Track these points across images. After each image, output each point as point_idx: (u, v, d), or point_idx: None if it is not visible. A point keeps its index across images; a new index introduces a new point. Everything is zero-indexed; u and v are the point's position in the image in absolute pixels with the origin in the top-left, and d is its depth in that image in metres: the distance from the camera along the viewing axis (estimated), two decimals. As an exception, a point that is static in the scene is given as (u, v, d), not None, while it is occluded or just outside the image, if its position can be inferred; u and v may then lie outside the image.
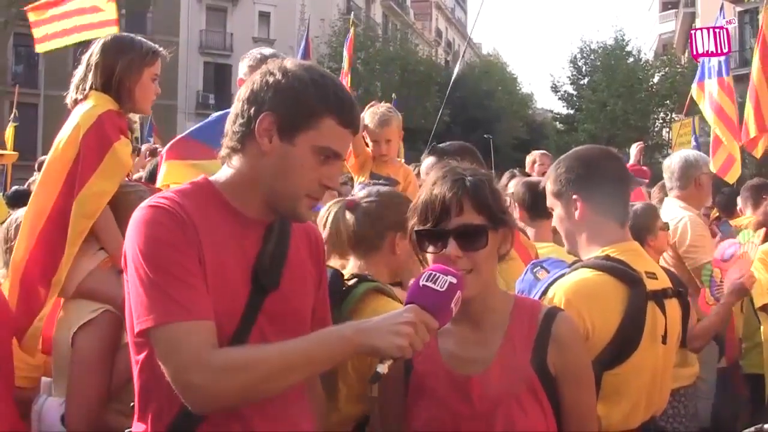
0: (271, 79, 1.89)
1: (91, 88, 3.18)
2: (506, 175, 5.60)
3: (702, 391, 4.30)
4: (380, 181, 3.36)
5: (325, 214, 2.78)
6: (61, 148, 3.04)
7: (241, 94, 1.94)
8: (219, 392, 1.72)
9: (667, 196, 5.26)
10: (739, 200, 6.29)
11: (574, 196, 2.63)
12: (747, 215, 5.94)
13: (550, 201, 2.74)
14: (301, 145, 1.87)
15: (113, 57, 3.20)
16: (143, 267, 1.77)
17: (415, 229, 2.08)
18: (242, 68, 3.88)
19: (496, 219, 2.08)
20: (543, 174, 7.97)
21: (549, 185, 2.73)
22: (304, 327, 2.01)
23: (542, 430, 2.03)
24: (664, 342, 2.51)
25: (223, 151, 1.96)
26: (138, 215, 1.84)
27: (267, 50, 3.98)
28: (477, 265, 2.04)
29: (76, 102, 3.21)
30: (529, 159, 8.08)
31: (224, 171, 1.98)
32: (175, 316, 1.73)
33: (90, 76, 3.19)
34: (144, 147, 8.38)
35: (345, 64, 10.50)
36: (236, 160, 1.94)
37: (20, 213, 3.43)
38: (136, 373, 1.89)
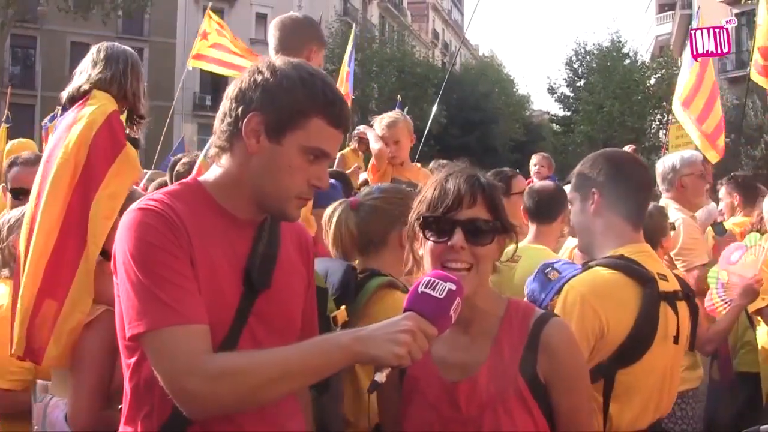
0: (259, 78, 1.86)
1: (96, 86, 3.14)
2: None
3: (701, 392, 4.32)
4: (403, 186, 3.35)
5: (329, 215, 2.79)
6: (71, 150, 2.94)
7: (229, 92, 1.91)
8: (214, 399, 1.70)
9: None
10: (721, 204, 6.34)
11: (593, 190, 2.67)
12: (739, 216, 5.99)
13: (570, 194, 2.81)
14: (290, 146, 1.85)
15: (127, 62, 3.22)
16: (134, 270, 1.74)
17: (424, 215, 2.06)
18: (271, 40, 3.70)
19: (504, 223, 2.08)
20: (537, 175, 8.03)
21: (572, 180, 2.81)
22: (295, 328, 2.00)
23: None
24: (675, 342, 2.52)
25: (212, 151, 1.94)
26: (127, 218, 1.82)
27: (295, 14, 3.78)
28: (478, 260, 2.02)
29: (77, 96, 3.14)
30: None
31: (213, 170, 1.96)
32: (167, 320, 1.70)
33: (107, 75, 3.15)
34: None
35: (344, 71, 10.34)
36: (225, 160, 1.92)
37: (14, 213, 3.39)
38: (127, 377, 1.87)
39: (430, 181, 2.11)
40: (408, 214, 2.16)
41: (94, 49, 3.26)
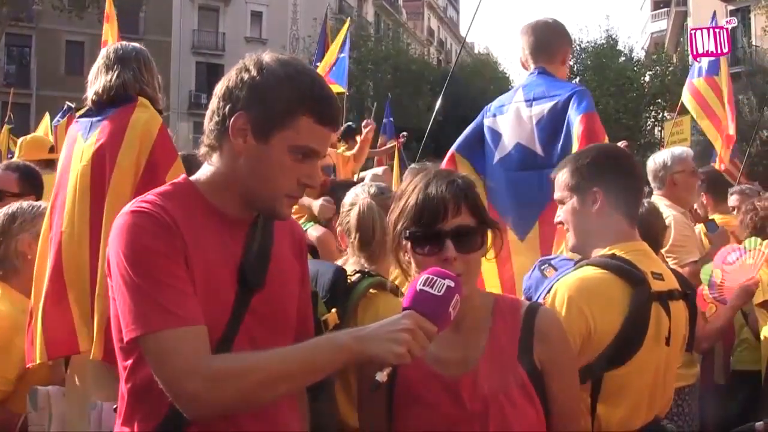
0: (245, 76, 1.84)
1: (139, 92, 3.15)
2: None
3: (698, 389, 4.34)
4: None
5: (355, 210, 2.77)
6: (134, 155, 2.95)
7: (217, 89, 1.89)
8: (214, 400, 1.70)
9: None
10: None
11: (595, 189, 2.56)
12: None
13: (562, 193, 2.66)
14: (277, 145, 1.83)
15: (139, 60, 3.23)
16: (129, 273, 1.73)
17: (411, 230, 2.03)
18: (524, 44, 3.77)
19: (487, 221, 2.08)
20: None
21: (564, 177, 2.65)
22: (290, 325, 2.00)
23: (534, 423, 2.03)
24: (667, 344, 2.46)
25: (202, 149, 1.93)
26: (120, 221, 1.80)
27: (546, 18, 3.88)
28: (469, 267, 2.02)
29: (107, 100, 3.13)
30: None
31: (204, 169, 1.94)
32: (165, 323, 1.69)
33: (128, 77, 3.15)
34: None
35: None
36: (215, 159, 1.91)
37: (8, 209, 3.41)
38: (123, 378, 1.86)
39: (409, 187, 2.08)
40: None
41: (103, 52, 3.24)
